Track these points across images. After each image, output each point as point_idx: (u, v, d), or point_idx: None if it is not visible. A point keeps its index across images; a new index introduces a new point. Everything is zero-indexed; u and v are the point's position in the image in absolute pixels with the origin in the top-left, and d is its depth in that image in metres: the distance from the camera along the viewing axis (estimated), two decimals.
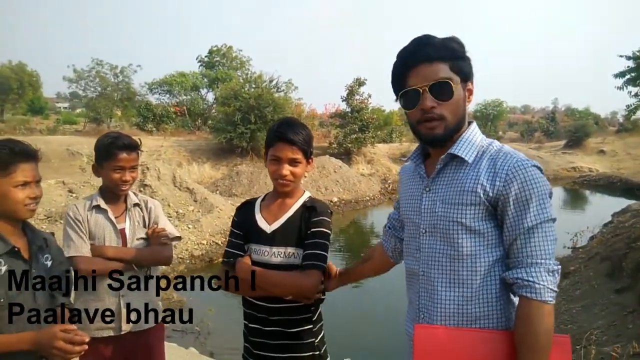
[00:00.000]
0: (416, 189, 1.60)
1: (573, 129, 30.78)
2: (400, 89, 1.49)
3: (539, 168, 1.38)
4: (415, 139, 1.60)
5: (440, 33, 1.47)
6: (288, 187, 1.84)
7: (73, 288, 1.96)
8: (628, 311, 5.04)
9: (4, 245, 1.63)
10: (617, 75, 11.38)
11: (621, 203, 13.30)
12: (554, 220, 1.36)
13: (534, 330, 1.30)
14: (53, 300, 1.76)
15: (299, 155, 1.81)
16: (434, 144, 1.50)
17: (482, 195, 1.37)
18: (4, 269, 1.61)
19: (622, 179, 19.92)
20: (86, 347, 1.59)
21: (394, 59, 1.52)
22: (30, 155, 1.71)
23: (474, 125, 1.53)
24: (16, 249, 1.65)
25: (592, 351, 4.02)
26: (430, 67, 1.41)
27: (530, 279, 1.31)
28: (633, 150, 25.85)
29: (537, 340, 1.29)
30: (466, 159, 1.44)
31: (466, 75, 1.46)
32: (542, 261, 1.33)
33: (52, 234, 1.93)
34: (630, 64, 11.07)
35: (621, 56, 11.24)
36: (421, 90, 1.41)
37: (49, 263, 1.78)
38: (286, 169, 1.80)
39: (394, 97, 1.56)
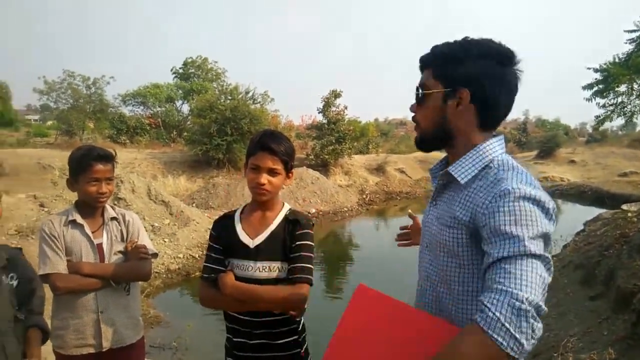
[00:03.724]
0: (431, 199, 1.50)
1: (544, 139, 31.50)
2: None
3: (533, 200, 1.17)
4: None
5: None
6: (265, 197, 1.83)
7: (44, 305, 1.88)
8: (602, 318, 5.13)
9: None
10: (585, 87, 11.74)
11: (592, 212, 13.62)
12: (539, 257, 1.12)
13: (446, 352, 1.08)
14: (19, 322, 1.68)
15: (278, 166, 1.80)
16: (417, 147, 1.48)
17: (462, 218, 1.26)
18: None
19: (593, 188, 20.40)
20: None
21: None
22: None
23: (491, 141, 1.34)
24: None
25: (569, 359, 4.08)
26: (423, 73, 1.40)
27: (488, 304, 1.04)
28: (602, 160, 26.58)
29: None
30: (459, 179, 1.31)
31: (454, 82, 1.31)
32: (509, 289, 1.04)
33: (20, 249, 1.85)
34: (598, 76, 11.44)
35: (589, 68, 11.61)
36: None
37: (14, 282, 1.69)
38: (264, 178, 1.78)
39: None
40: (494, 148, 1.33)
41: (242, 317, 1.82)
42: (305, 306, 1.85)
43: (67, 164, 2.20)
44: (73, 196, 2.25)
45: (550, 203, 1.20)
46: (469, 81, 1.30)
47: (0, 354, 1.58)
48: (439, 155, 1.54)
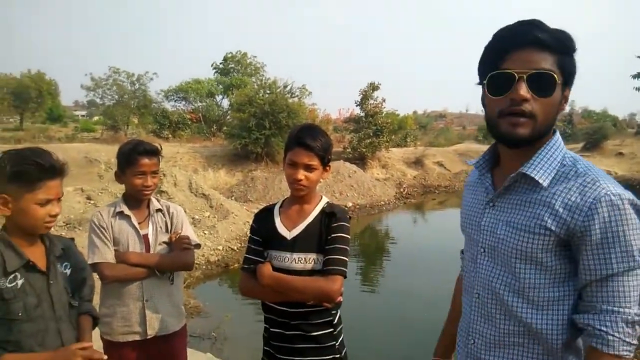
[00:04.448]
0: (479, 201, 1.40)
1: (591, 131, 30.39)
2: (490, 71, 1.23)
3: (633, 204, 1.13)
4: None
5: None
6: (302, 192, 1.86)
7: (94, 293, 1.97)
8: None
9: (18, 259, 1.61)
10: (635, 76, 11.25)
11: None
12: None
13: None
14: (73, 309, 1.77)
15: (315, 162, 1.83)
16: (514, 144, 1.24)
17: (554, 227, 1.17)
18: (20, 282, 1.59)
19: None
20: None
21: (490, 38, 1.25)
22: (57, 171, 1.66)
23: (557, 136, 1.28)
24: (31, 262, 1.63)
25: None
26: (535, 54, 1.17)
27: (603, 328, 1.12)
28: None
29: None
30: (540, 181, 1.21)
31: (569, 78, 1.22)
32: (621, 309, 1.12)
33: (72, 239, 1.94)
34: None
35: (639, 57, 11.12)
36: (517, 77, 1.16)
37: (68, 271, 1.77)
38: (301, 174, 1.82)
39: (477, 80, 1.31)
40: (562, 143, 1.28)
41: (278, 307, 1.86)
42: (341, 299, 1.87)
43: (116, 157, 2.30)
44: (118, 189, 2.36)
45: None
46: (573, 79, 1.25)
47: (57, 338, 1.67)
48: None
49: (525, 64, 1.17)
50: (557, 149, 1.26)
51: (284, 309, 1.85)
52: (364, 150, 20.09)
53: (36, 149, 1.68)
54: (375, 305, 7.29)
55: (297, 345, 1.85)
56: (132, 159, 2.22)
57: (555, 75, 1.16)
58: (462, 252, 1.60)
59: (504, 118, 1.21)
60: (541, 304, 1.23)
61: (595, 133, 29.24)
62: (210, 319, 6.36)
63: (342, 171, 16.51)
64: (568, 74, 1.21)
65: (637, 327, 1.13)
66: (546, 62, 1.16)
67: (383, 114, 21.64)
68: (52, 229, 1.76)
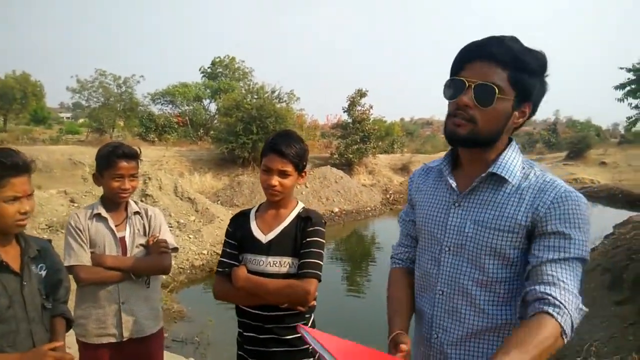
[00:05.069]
0: (442, 201, 1.46)
1: (575, 140, 30.87)
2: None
3: (585, 203, 1.27)
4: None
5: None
6: (277, 197, 1.88)
7: (69, 295, 1.95)
8: (629, 323, 5.03)
9: None
10: (617, 87, 11.43)
11: (622, 215, 13.25)
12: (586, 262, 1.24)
13: (538, 343, 1.08)
14: (46, 311, 1.75)
15: (289, 168, 1.84)
16: (454, 142, 1.36)
17: (523, 222, 1.27)
18: None
19: (624, 190, 19.85)
20: None
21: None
22: (22, 168, 1.63)
23: (514, 144, 1.39)
24: (4, 263, 1.61)
25: None
26: (486, 67, 1.27)
27: (564, 302, 1.14)
28: (634, 162, 25.81)
29: (533, 352, 1.06)
30: (510, 180, 1.32)
31: (526, 95, 1.30)
32: (576, 293, 1.18)
33: (49, 241, 1.92)
34: (631, 76, 11.13)
35: (621, 68, 11.31)
36: (467, 85, 1.28)
37: (43, 273, 1.76)
38: (275, 180, 1.84)
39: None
40: (518, 153, 1.39)
41: (252, 311, 1.87)
42: (314, 302, 1.87)
43: (95, 159, 2.29)
44: (102, 192, 2.34)
45: None
46: (532, 96, 1.32)
47: (28, 340, 1.65)
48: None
49: (477, 75, 1.28)
50: (517, 154, 1.38)
51: (258, 312, 1.85)
52: (350, 156, 20.12)
53: (2, 148, 1.67)
54: (361, 309, 7.30)
55: (271, 348, 1.85)
56: (110, 162, 2.21)
57: (497, 89, 1.25)
58: (392, 257, 1.75)
59: (450, 119, 1.34)
60: (506, 296, 1.32)
61: (579, 142, 29.70)
62: (194, 323, 6.32)
63: (329, 177, 16.52)
64: (524, 90, 1.29)
65: (581, 317, 1.19)
66: (496, 76, 1.26)
67: (370, 121, 21.72)
68: (34, 231, 1.74)
